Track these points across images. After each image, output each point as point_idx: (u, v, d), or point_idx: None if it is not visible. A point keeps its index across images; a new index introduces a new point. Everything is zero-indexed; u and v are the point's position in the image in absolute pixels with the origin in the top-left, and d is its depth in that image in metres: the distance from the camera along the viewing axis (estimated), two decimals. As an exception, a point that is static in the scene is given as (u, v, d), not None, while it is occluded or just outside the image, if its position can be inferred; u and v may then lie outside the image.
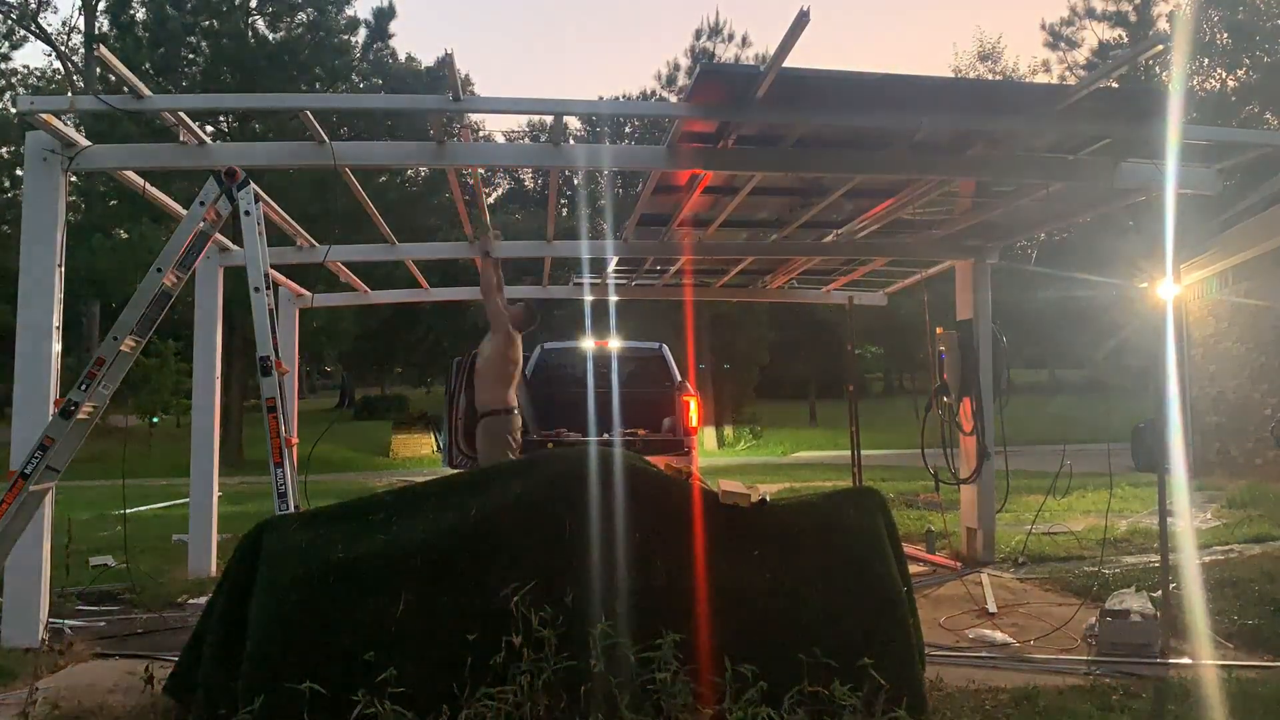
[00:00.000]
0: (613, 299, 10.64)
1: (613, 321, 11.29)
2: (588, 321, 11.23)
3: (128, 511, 12.19)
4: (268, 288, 4.94)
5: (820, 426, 34.40)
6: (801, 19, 4.71)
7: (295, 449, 5.09)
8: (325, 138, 5.87)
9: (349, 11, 26.18)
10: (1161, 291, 4.82)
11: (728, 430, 30.79)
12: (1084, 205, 7.50)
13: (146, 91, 5.50)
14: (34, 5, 30.94)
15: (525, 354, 11.21)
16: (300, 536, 4.11)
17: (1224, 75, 30.07)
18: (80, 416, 4.82)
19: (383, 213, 7.84)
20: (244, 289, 4.90)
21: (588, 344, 11.00)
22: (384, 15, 26.98)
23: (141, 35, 23.28)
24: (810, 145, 6.35)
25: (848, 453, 9.97)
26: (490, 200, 6.93)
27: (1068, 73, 33.73)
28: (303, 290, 10.04)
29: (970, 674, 4.67)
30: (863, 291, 10.71)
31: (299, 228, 8.01)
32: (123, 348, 4.94)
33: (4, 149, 27.59)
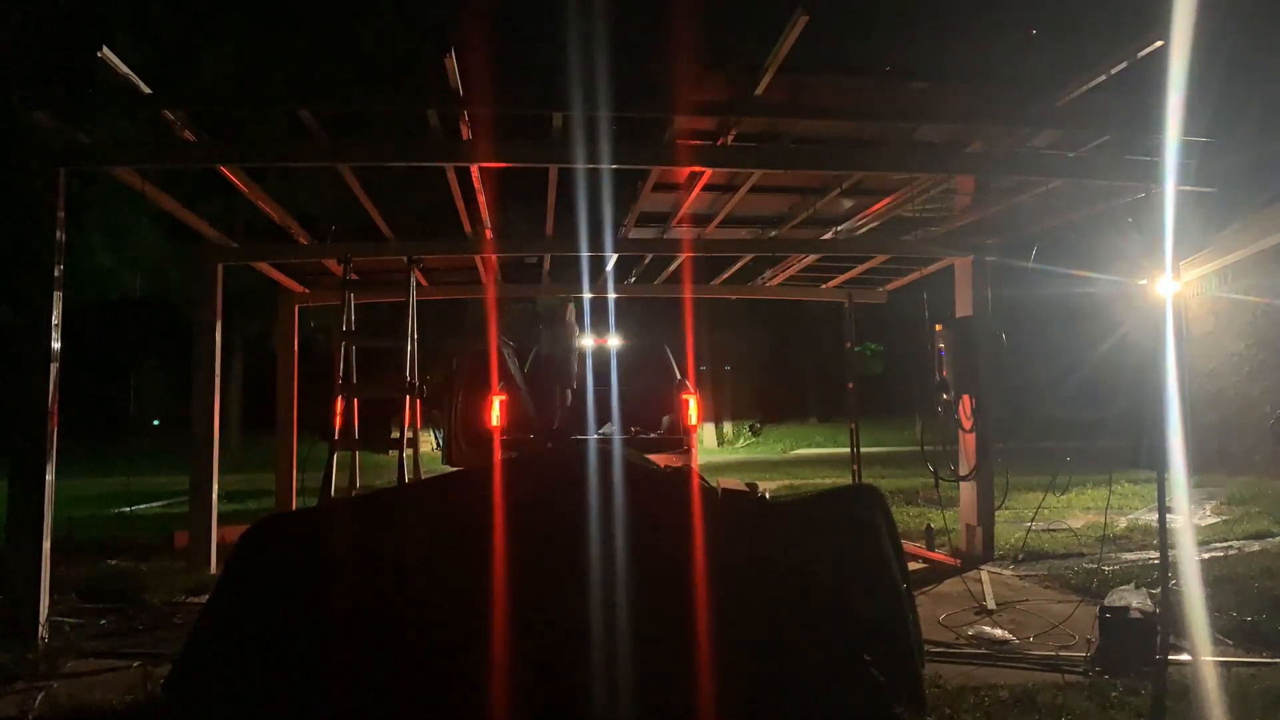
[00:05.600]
0: (612, 297, 10.64)
1: (612, 320, 11.29)
2: (587, 319, 11.22)
3: (127, 510, 12.22)
4: None
5: (820, 424, 34.41)
6: (800, 16, 4.72)
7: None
8: (324, 135, 5.86)
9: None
10: (1160, 288, 4.81)
11: (727, 428, 30.81)
12: (1083, 202, 7.51)
13: (146, 89, 5.50)
14: (33, 3, 30.84)
15: (525, 352, 11.26)
16: (299, 534, 4.11)
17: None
18: None
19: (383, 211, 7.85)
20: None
21: (587, 342, 11.00)
22: (383, 12, 26.96)
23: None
24: (809, 143, 6.36)
25: (847, 450, 9.98)
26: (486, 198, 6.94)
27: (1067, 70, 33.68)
28: (302, 287, 10.04)
29: (969, 671, 4.67)
30: (862, 289, 10.70)
31: (298, 225, 8.00)
32: None
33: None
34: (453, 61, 5.27)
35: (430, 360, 9.53)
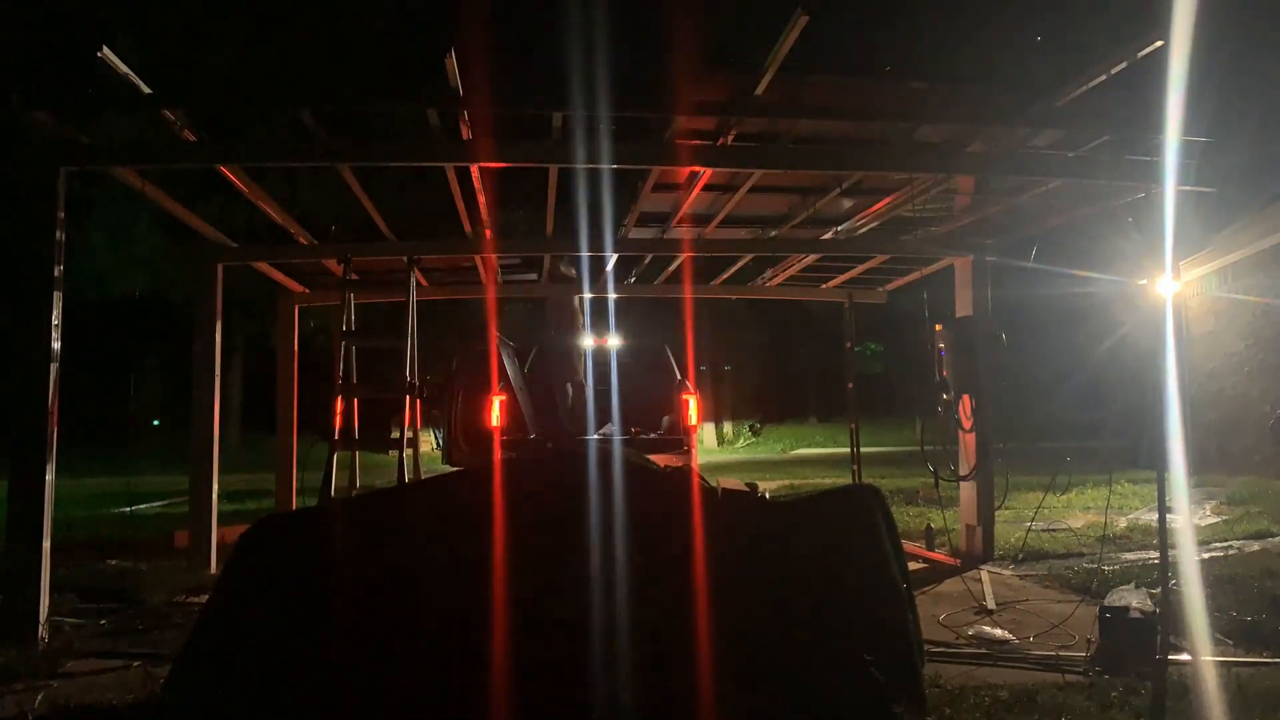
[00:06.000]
0: (612, 297, 10.65)
1: (612, 319, 11.29)
2: (587, 319, 11.23)
3: (127, 509, 12.21)
4: None
5: (820, 424, 34.43)
6: (800, 16, 4.72)
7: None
8: (324, 135, 5.86)
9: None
10: (1160, 288, 4.81)
11: (727, 428, 30.83)
12: (1083, 202, 7.51)
13: (146, 89, 5.50)
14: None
15: (525, 351, 11.24)
16: (299, 534, 4.11)
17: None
18: None
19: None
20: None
21: (587, 342, 11.00)
22: (384, 12, 26.96)
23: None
24: (809, 143, 6.36)
25: (847, 450, 9.98)
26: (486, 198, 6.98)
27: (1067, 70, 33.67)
28: (302, 287, 10.04)
29: (969, 671, 4.67)
30: (862, 289, 10.71)
31: (298, 225, 8.00)
32: None
33: (2, 147, 27.41)
34: (453, 61, 5.27)
35: (430, 360, 9.53)
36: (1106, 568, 6.90)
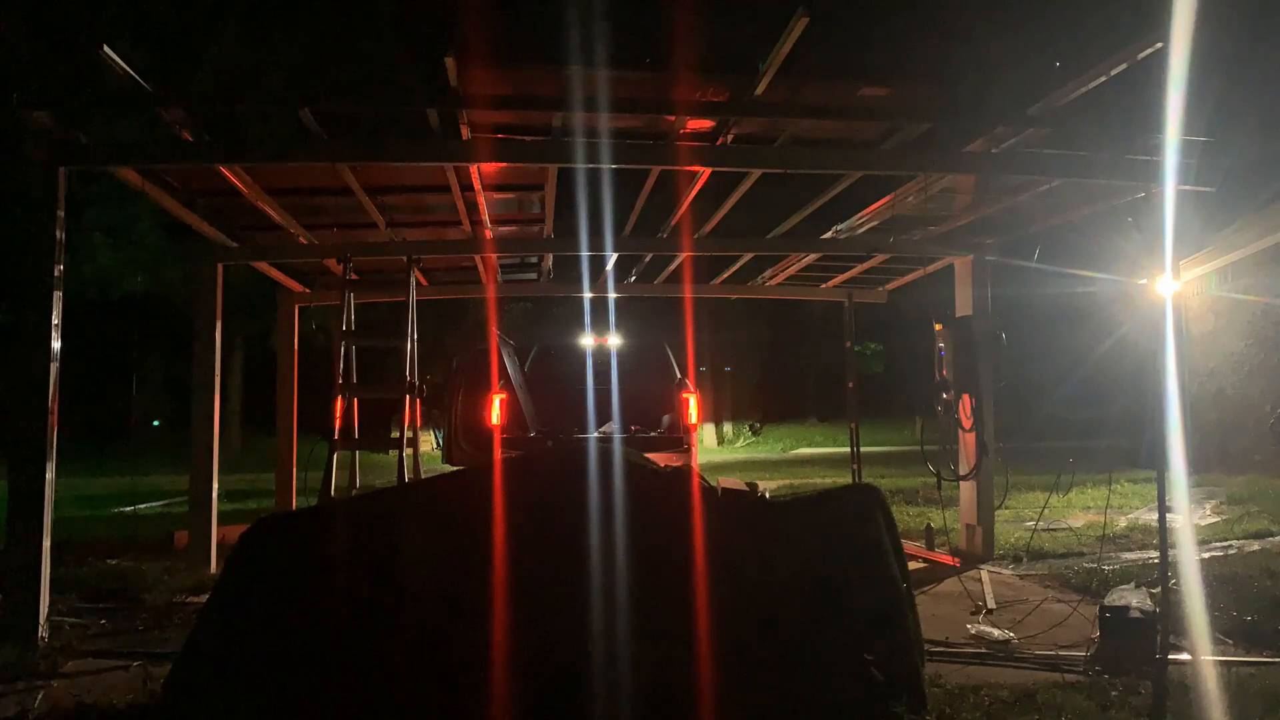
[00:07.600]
0: (612, 296, 10.65)
1: (612, 319, 11.29)
2: (587, 319, 11.24)
3: (127, 509, 12.21)
4: None
5: (820, 424, 34.42)
6: (801, 17, 4.72)
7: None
8: (324, 135, 5.86)
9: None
10: (1160, 288, 4.82)
11: (727, 427, 30.81)
12: (1083, 202, 7.51)
13: (147, 89, 5.49)
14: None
15: (524, 351, 11.24)
16: (299, 534, 4.11)
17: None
18: None
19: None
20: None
21: (587, 341, 11.01)
22: (384, 11, 26.94)
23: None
24: (809, 142, 6.36)
25: (847, 449, 9.98)
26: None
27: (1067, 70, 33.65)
28: (302, 287, 10.04)
29: (970, 671, 4.67)
30: (862, 289, 10.71)
31: (298, 224, 8.00)
32: None
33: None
34: (453, 61, 5.27)
35: (430, 360, 9.52)
36: (1106, 567, 6.90)
